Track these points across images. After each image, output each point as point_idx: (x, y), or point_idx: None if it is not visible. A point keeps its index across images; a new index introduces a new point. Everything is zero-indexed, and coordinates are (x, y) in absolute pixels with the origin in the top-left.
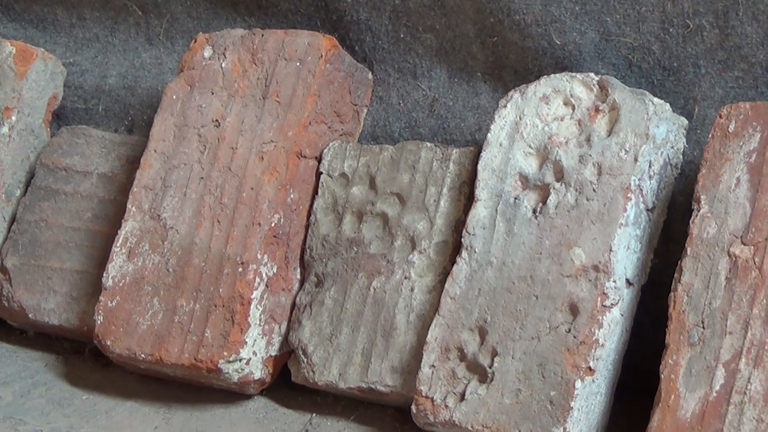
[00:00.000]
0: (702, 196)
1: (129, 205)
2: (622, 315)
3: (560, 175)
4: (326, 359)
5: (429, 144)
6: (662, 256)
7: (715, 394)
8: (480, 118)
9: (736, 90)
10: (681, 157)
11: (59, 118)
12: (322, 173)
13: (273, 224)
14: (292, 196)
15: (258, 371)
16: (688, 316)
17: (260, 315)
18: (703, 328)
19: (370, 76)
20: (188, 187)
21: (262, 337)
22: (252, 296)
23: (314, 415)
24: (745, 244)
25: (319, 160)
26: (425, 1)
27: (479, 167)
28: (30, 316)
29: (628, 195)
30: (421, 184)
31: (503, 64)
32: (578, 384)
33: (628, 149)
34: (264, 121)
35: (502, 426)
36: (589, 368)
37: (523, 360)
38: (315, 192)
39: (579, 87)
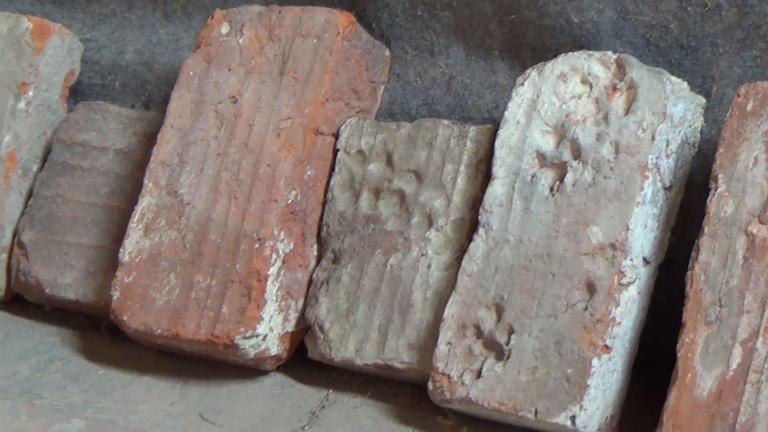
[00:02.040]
0: (719, 175)
1: (146, 181)
2: (639, 293)
3: (577, 153)
4: (343, 336)
5: (446, 121)
6: (679, 235)
7: (732, 373)
8: (497, 95)
9: (754, 69)
10: (698, 135)
11: (76, 93)
12: (339, 150)
13: (290, 201)
14: (308, 172)
15: (274, 347)
16: (705, 294)
17: (277, 291)
18: (720, 306)
19: (387, 53)
20: (205, 163)
21: (279, 314)
22: (269, 272)
23: (330, 391)
24: (762, 223)
25: (336, 137)
26: None
27: (496, 145)
28: (47, 291)
29: (646, 173)
30: (438, 161)
31: (521, 42)
32: (595, 362)
33: (645, 128)
34: (281, 98)
35: (518, 403)
36: (606, 346)
37: (539, 338)
38: (332, 169)
39: (596, 65)
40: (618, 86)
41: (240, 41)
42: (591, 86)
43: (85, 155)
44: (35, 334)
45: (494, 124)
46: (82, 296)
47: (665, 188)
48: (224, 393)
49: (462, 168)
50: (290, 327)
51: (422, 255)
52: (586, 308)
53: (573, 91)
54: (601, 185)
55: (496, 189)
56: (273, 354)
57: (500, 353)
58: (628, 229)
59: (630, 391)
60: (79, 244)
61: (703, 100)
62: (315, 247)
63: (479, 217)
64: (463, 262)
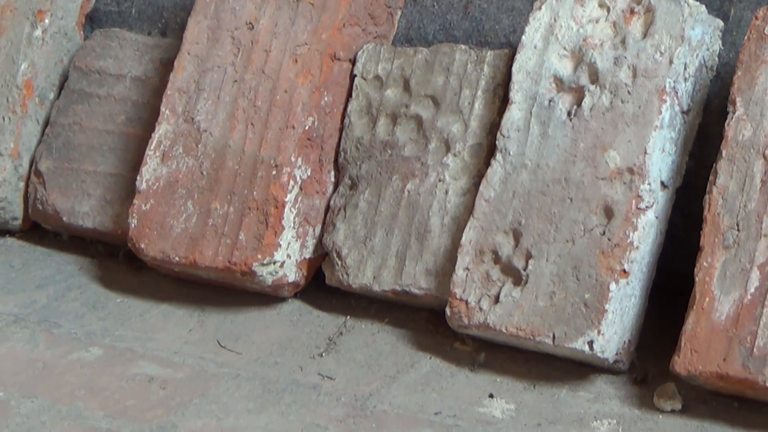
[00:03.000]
0: (738, 99)
1: (163, 108)
2: (656, 218)
3: (595, 77)
4: (360, 262)
5: (463, 46)
6: (697, 159)
7: (749, 297)
8: (515, 20)
9: None
10: (716, 59)
11: (92, 21)
12: (356, 76)
13: (307, 127)
14: (326, 98)
15: (292, 274)
16: (723, 218)
17: (294, 218)
18: (738, 230)
19: None
20: (222, 90)
21: (296, 240)
22: (286, 199)
23: (348, 317)
24: None
25: (353, 62)
26: None
27: (514, 70)
28: (64, 219)
29: (663, 97)
30: (456, 86)
31: None
32: (613, 287)
33: (663, 51)
34: (298, 24)
35: (536, 328)
36: (624, 271)
37: (557, 263)
38: (349, 95)
39: None
40: (635, 10)
41: None
42: (608, 10)
43: (101, 83)
44: (53, 262)
45: (511, 49)
46: (100, 224)
47: (683, 112)
48: (242, 320)
49: (479, 93)
50: (308, 254)
51: (440, 180)
52: (603, 233)
53: (590, 15)
54: (619, 109)
55: (514, 114)
56: (290, 281)
57: (518, 278)
58: (645, 153)
59: (648, 316)
60: (96, 172)
61: (721, 23)
62: (332, 173)
63: (497, 142)
64: (481, 188)
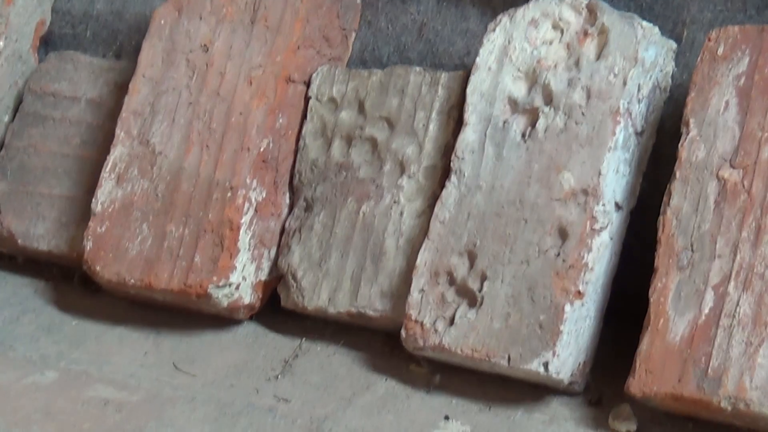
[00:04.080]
0: (691, 120)
1: (118, 131)
2: (611, 239)
3: (549, 98)
4: (315, 284)
5: (418, 68)
6: (651, 180)
7: (704, 318)
8: (469, 42)
9: (725, 13)
10: (670, 80)
11: (47, 43)
12: (310, 98)
13: (262, 149)
14: (280, 120)
15: (247, 296)
16: (677, 239)
17: (249, 240)
18: (692, 251)
19: (358, 0)
20: (177, 113)
21: (252, 262)
22: (241, 221)
23: (304, 339)
24: (733, 168)
25: (308, 84)
26: None
27: (468, 91)
28: (19, 242)
29: (617, 118)
30: (410, 108)
31: None
32: (567, 308)
33: (617, 73)
34: (252, 46)
35: (491, 350)
36: (579, 292)
37: (512, 284)
38: (304, 117)
39: (568, 10)
40: (589, 31)
41: None
42: (562, 31)
43: (56, 105)
44: (8, 285)
45: (466, 71)
46: (55, 247)
47: (637, 133)
48: (197, 343)
49: (434, 115)
50: (263, 276)
51: (395, 202)
52: (558, 254)
53: (544, 37)
54: (573, 130)
55: (468, 135)
56: (246, 303)
57: (473, 300)
58: (600, 174)
59: (602, 337)
60: (51, 194)
61: (675, 45)
62: (287, 195)
63: (451, 164)
64: (436, 209)
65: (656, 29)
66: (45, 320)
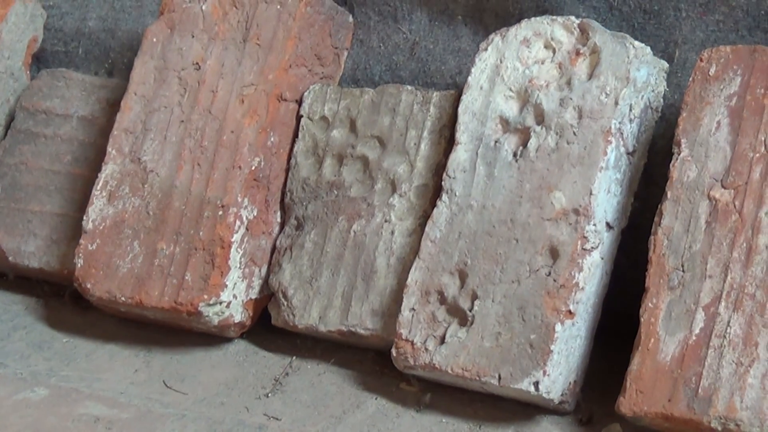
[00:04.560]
0: (682, 140)
1: (109, 149)
2: (602, 258)
3: (541, 118)
4: (306, 302)
5: (409, 87)
6: (642, 200)
7: (694, 338)
8: (461, 61)
9: (716, 33)
10: (661, 100)
11: (39, 61)
12: (302, 116)
13: (253, 167)
14: (272, 139)
15: (238, 314)
16: (668, 259)
17: (240, 258)
18: (683, 271)
19: (350, 19)
20: (168, 131)
21: (243, 281)
22: (232, 239)
23: (294, 358)
24: (725, 188)
25: (300, 103)
26: None
27: (460, 110)
28: (10, 259)
29: (609, 138)
30: (402, 127)
31: (484, 7)
32: (558, 327)
33: (608, 92)
34: (244, 64)
35: (482, 369)
36: (569, 311)
37: (503, 303)
38: (295, 135)
39: (560, 30)
40: (581, 51)
41: (203, 7)
42: (554, 51)
43: (48, 123)
44: None
45: (457, 90)
46: (46, 264)
47: (628, 153)
48: (188, 360)
49: (425, 134)
50: (254, 294)
51: (386, 221)
52: (549, 273)
53: (536, 56)
54: (565, 150)
55: (460, 155)
56: (237, 321)
57: (464, 319)
58: (591, 194)
59: (593, 357)
60: (42, 212)
61: (666, 65)
62: (278, 213)
63: (443, 183)
64: (427, 228)
65: (648, 49)
66: (36, 337)
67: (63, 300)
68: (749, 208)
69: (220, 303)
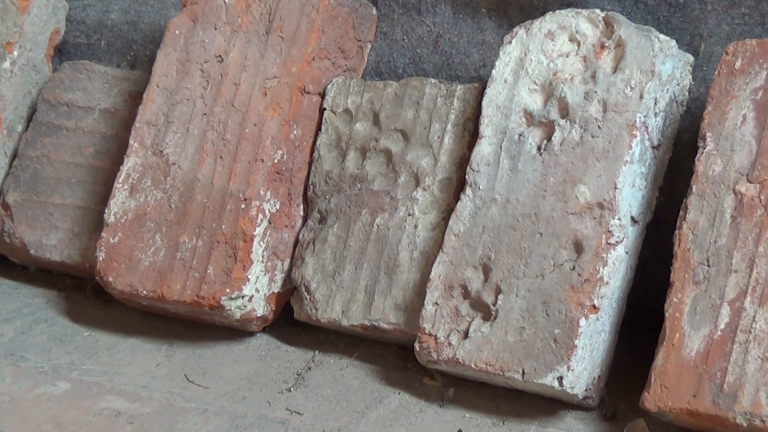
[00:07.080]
0: (708, 134)
1: (131, 141)
2: (626, 253)
3: (565, 111)
4: (329, 296)
5: (433, 80)
6: (667, 194)
7: (720, 333)
8: (485, 54)
9: (742, 27)
10: (687, 94)
11: (61, 53)
12: (325, 109)
13: (276, 160)
14: (295, 132)
15: (260, 308)
16: (693, 254)
17: (263, 252)
18: (708, 266)
19: (374, 11)
20: (191, 123)
21: (265, 274)
22: (255, 233)
23: (317, 352)
24: (750, 182)
25: (323, 96)
26: None
27: (484, 104)
28: (31, 252)
29: (634, 132)
30: (425, 120)
31: (508, 0)
32: (582, 322)
33: (633, 86)
34: (267, 57)
35: (505, 364)
36: (594, 306)
37: (527, 298)
38: (318, 128)
39: (584, 23)
40: (606, 44)
41: (226, 0)
42: (579, 44)
43: (70, 115)
44: (20, 295)
45: (481, 83)
46: (67, 257)
47: (653, 147)
48: (210, 354)
49: (449, 127)
50: (276, 288)
51: (409, 215)
52: (573, 268)
53: (561, 49)
54: (589, 144)
55: (484, 148)
56: (259, 315)
57: (487, 313)
58: (615, 188)
59: (618, 352)
60: (64, 204)
61: (692, 58)
62: (301, 207)
63: (466, 177)
64: (450, 222)
65: (673, 42)
66: (57, 331)
67: (84, 293)
68: None
69: (243, 297)
